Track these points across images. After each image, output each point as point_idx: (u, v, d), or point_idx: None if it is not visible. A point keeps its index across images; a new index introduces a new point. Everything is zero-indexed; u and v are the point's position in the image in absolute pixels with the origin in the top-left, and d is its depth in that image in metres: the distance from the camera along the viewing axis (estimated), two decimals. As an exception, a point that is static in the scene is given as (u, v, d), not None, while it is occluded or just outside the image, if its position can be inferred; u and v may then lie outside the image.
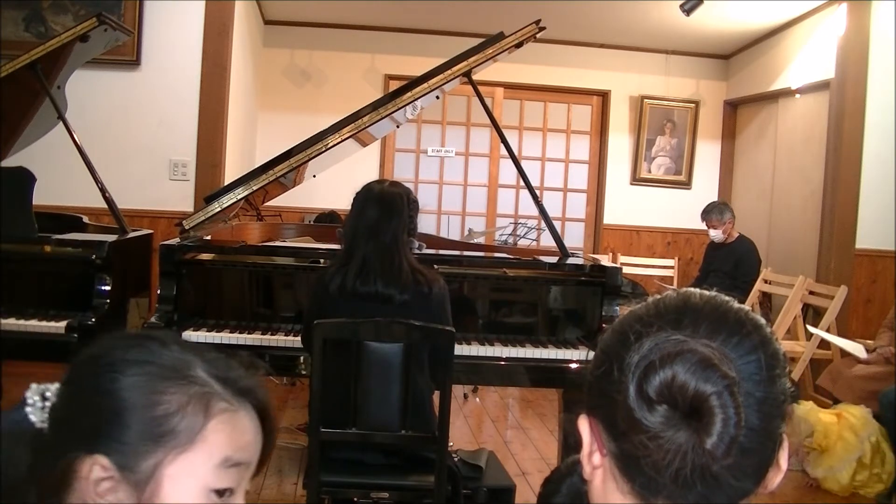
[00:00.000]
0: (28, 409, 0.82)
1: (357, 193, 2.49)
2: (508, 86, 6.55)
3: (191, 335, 2.69)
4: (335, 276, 2.39)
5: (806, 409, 3.77)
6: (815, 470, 3.66)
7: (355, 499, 2.46)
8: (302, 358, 2.74)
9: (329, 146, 3.05)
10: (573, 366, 2.79)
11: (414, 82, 3.16)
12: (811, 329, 4.58)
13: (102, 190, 3.39)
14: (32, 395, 0.83)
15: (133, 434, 0.78)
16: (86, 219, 3.75)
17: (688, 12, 4.96)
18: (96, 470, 0.77)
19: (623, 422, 0.71)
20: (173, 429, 0.79)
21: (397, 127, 3.89)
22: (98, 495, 0.77)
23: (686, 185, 6.69)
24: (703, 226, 5.55)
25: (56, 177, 4.03)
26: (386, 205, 2.42)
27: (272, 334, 2.77)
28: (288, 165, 3.03)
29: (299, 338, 2.62)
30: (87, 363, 0.83)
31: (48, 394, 0.83)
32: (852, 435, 3.62)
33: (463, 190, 6.72)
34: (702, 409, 0.68)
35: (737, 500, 0.72)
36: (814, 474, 3.66)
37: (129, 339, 0.85)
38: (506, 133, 3.49)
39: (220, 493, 0.80)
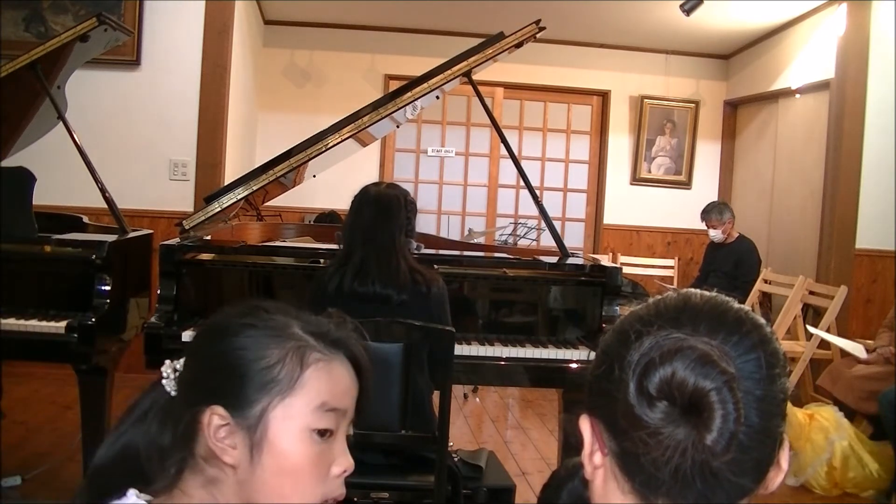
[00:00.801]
0: (164, 381, 0.96)
1: (354, 196, 2.50)
2: (508, 86, 6.55)
3: (191, 335, 2.69)
4: (333, 277, 2.39)
5: None
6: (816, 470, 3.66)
7: (355, 499, 2.46)
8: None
9: (329, 146, 3.05)
10: (573, 366, 2.79)
11: (414, 82, 3.15)
12: (811, 329, 4.58)
13: (102, 190, 3.39)
14: (166, 369, 0.96)
15: (243, 385, 0.90)
16: (86, 219, 3.75)
17: (688, 12, 4.96)
18: (215, 419, 0.90)
19: (623, 419, 0.72)
20: (275, 377, 0.91)
21: (397, 127, 3.89)
22: (218, 440, 0.90)
23: (686, 185, 6.69)
24: (703, 226, 5.55)
25: (56, 177, 4.03)
26: (382, 207, 2.43)
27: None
28: (288, 165, 3.03)
29: None
30: (207, 331, 0.97)
31: (178, 366, 0.96)
32: (822, 437, 3.61)
33: (463, 190, 6.72)
34: (701, 405, 0.68)
35: (736, 500, 0.72)
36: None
37: (240, 308, 0.96)
38: (506, 133, 3.49)
39: (322, 433, 0.92)
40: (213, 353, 0.93)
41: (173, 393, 0.95)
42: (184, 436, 0.91)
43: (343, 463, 0.93)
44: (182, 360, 0.97)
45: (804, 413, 3.70)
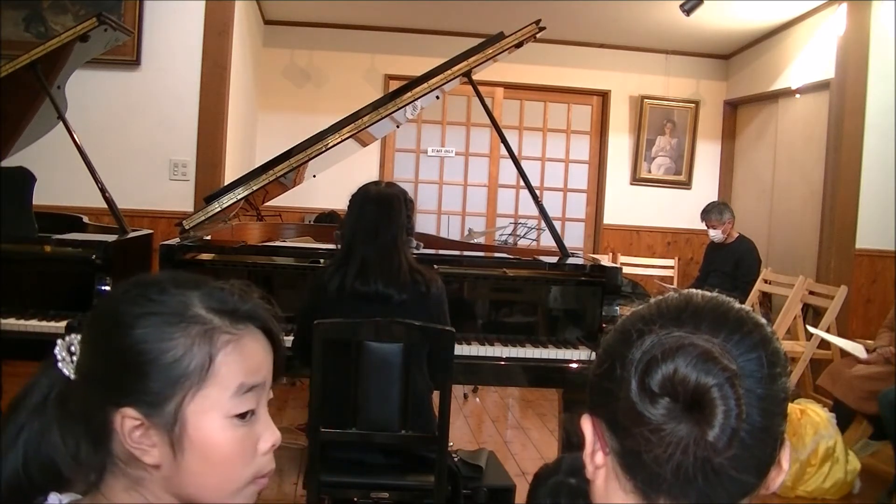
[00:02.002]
0: (60, 364, 0.88)
1: (353, 195, 2.50)
2: (508, 86, 6.55)
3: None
4: (334, 277, 2.39)
5: None
6: None
7: (355, 499, 2.46)
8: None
9: (329, 146, 3.05)
10: (573, 366, 2.79)
11: (414, 82, 3.16)
12: (811, 329, 4.58)
13: (102, 190, 3.39)
14: (61, 351, 0.89)
15: (151, 382, 0.84)
16: (86, 219, 3.75)
17: (688, 12, 4.96)
18: (127, 422, 0.84)
19: (625, 417, 0.72)
20: (185, 370, 0.84)
21: (397, 127, 3.89)
22: (135, 442, 0.84)
23: (686, 185, 6.69)
24: (703, 226, 5.55)
25: (56, 177, 4.03)
26: (384, 205, 2.43)
27: (272, 334, 2.76)
28: (288, 165, 3.03)
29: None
30: (99, 321, 0.89)
31: (73, 347, 0.89)
32: (810, 433, 3.58)
33: (463, 190, 6.72)
34: (703, 401, 0.68)
35: (738, 499, 0.72)
36: None
37: (129, 291, 0.88)
38: (506, 133, 3.49)
39: (242, 416, 0.87)
40: (111, 348, 0.86)
41: (72, 376, 0.87)
42: (97, 439, 0.85)
43: (269, 438, 0.89)
44: (77, 337, 0.89)
45: (796, 407, 3.67)
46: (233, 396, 0.86)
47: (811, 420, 3.61)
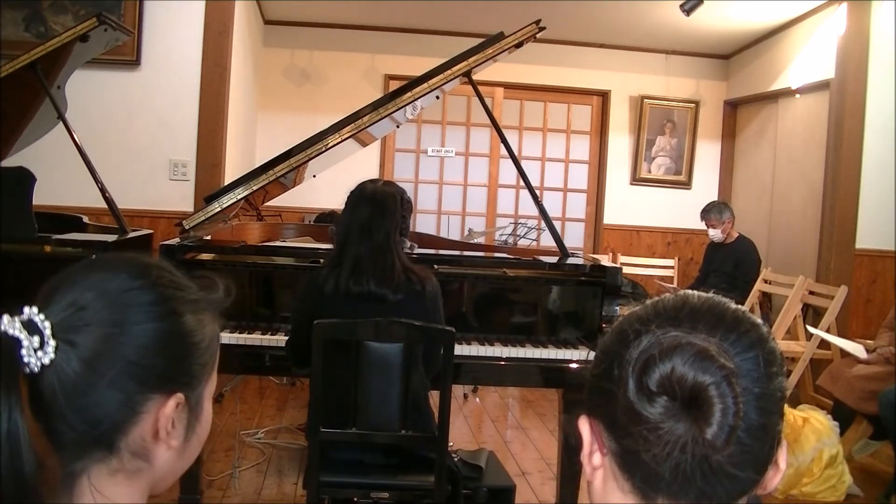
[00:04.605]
0: (23, 351, 0.77)
1: (350, 192, 2.49)
2: (508, 86, 6.55)
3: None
4: (329, 278, 2.38)
5: None
6: None
7: (355, 499, 2.46)
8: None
9: (329, 146, 3.05)
10: (573, 366, 2.79)
11: (414, 82, 3.15)
12: (811, 329, 4.58)
13: (102, 190, 3.39)
14: (25, 339, 0.77)
15: (194, 365, 0.86)
16: (86, 219, 3.75)
17: (688, 12, 4.96)
18: (169, 407, 0.83)
19: (623, 416, 0.72)
20: (213, 352, 0.89)
21: (397, 127, 3.89)
22: (169, 427, 0.83)
23: (686, 185, 6.69)
24: (703, 226, 5.55)
25: (56, 177, 4.03)
26: (379, 204, 2.42)
27: (272, 334, 2.77)
28: (288, 165, 3.03)
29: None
30: (128, 305, 0.82)
31: (46, 331, 0.78)
32: (813, 440, 3.58)
33: (463, 190, 6.72)
34: (701, 399, 0.68)
35: (735, 498, 0.72)
36: None
37: (160, 276, 0.86)
38: (506, 133, 3.49)
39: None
40: (156, 334, 0.82)
41: (40, 363, 0.77)
42: (106, 433, 0.80)
43: (210, 407, 0.92)
44: (47, 319, 0.78)
45: (799, 415, 3.68)
46: (216, 376, 0.91)
47: (814, 427, 3.61)
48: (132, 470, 0.83)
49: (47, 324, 0.78)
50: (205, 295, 0.90)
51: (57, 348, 0.78)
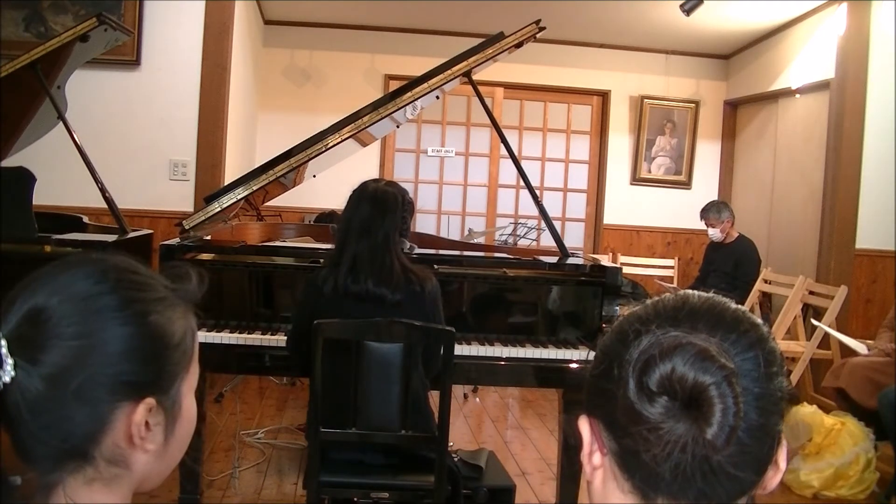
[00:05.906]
0: None
1: (353, 191, 2.49)
2: (508, 86, 6.55)
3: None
4: (328, 279, 2.38)
5: (809, 411, 3.76)
6: (798, 471, 3.66)
7: (355, 499, 2.46)
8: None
9: (329, 146, 3.05)
10: (573, 366, 2.79)
11: (414, 82, 3.16)
12: (815, 323, 4.58)
13: (102, 190, 3.39)
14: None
15: (167, 366, 0.82)
16: (86, 219, 3.75)
17: (688, 12, 4.95)
18: (141, 412, 0.80)
19: (623, 416, 0.72)
20: (186, 349, 0.85)
21: (397, 127, 3.89)
22: (142, 433, 0.80)
23: (686, 185, 6.69)
24: (703, 226, 5.55)
25: (56, 177, 4.03)
26: (379, 203, 2.42)
27: (272, 334, 2.77)
28: (288, 165, 3.03)
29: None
30: (89, 314, 0.79)
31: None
32: (850, 444, 3.63)
33: (463, 190, 6.72)
34: (701, 399, 0.68)
35: (735, 498, 0.72)
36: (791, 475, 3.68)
37: (119, 279, 0.82)
38: (506, 133, 3.49)
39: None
40: (121, 339, 0.79)
41: (1, 382, 0.75)
42: (78, 445, 0.78)
43: (194, 400, 0.89)
44: (3, 337, 0.76)
45: (836, 420, 3.75)
46: (197, 363, 0.87)
47: (850, 431, 3.70)
48: (109, 477, 0.81)
49: (3, 342, 0.75)
50: (174, 289, 0.86)
51: (16, 366, 0.75)
